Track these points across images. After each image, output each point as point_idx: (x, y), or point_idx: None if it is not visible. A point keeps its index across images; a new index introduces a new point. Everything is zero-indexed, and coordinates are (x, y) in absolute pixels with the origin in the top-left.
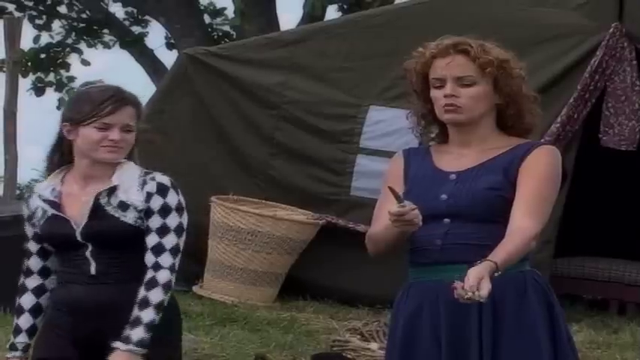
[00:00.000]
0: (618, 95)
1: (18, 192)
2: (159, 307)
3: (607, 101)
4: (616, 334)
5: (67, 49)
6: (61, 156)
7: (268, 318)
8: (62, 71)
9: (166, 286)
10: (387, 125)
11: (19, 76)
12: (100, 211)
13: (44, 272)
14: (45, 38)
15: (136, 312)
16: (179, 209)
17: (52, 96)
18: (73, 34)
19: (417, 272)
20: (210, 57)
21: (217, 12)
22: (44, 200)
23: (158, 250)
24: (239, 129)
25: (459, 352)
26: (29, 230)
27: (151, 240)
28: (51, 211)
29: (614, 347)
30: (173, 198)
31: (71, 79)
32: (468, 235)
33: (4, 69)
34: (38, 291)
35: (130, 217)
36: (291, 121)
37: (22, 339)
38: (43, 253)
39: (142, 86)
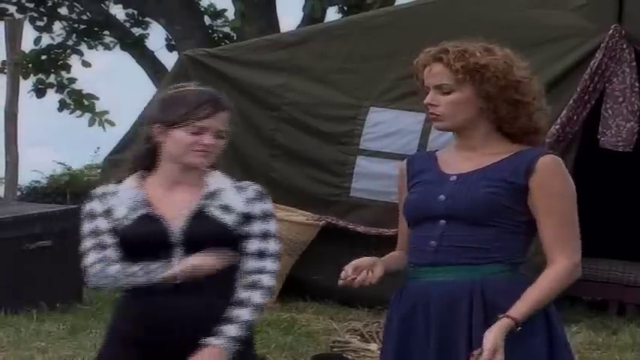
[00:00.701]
0: (616, 96)
1: (19, 193)
2: (258, 308)
3: (605, 102)
4: (615, 335)
5: (68, 51)
6: (145, 159)
7: (268, 319)
8: (63, 73)
9: (268, 290)
10: (387, 127)
11: (20, 77)
12: (202, 213)
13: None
14: (46, 40)
15: (232, 311)
16: (274, 217)
17: (52, 97)
18: (74, 35)
19: (412, 272)
20: (211, 58)
21: (218, 14)
22: (130, 199)
23: (262, 254)
24: (239, 130)
25: (449, 354)
26: (103, 224)
27: (254, 245)
28: (141, 211)
29: (614, 348)
30: (269, 205)
31: (72, 80)
32: (463, 238)
33: (5, 70)
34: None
35: (231, 221)
36: (292, 122)
37: None
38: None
39: (142, 88)
